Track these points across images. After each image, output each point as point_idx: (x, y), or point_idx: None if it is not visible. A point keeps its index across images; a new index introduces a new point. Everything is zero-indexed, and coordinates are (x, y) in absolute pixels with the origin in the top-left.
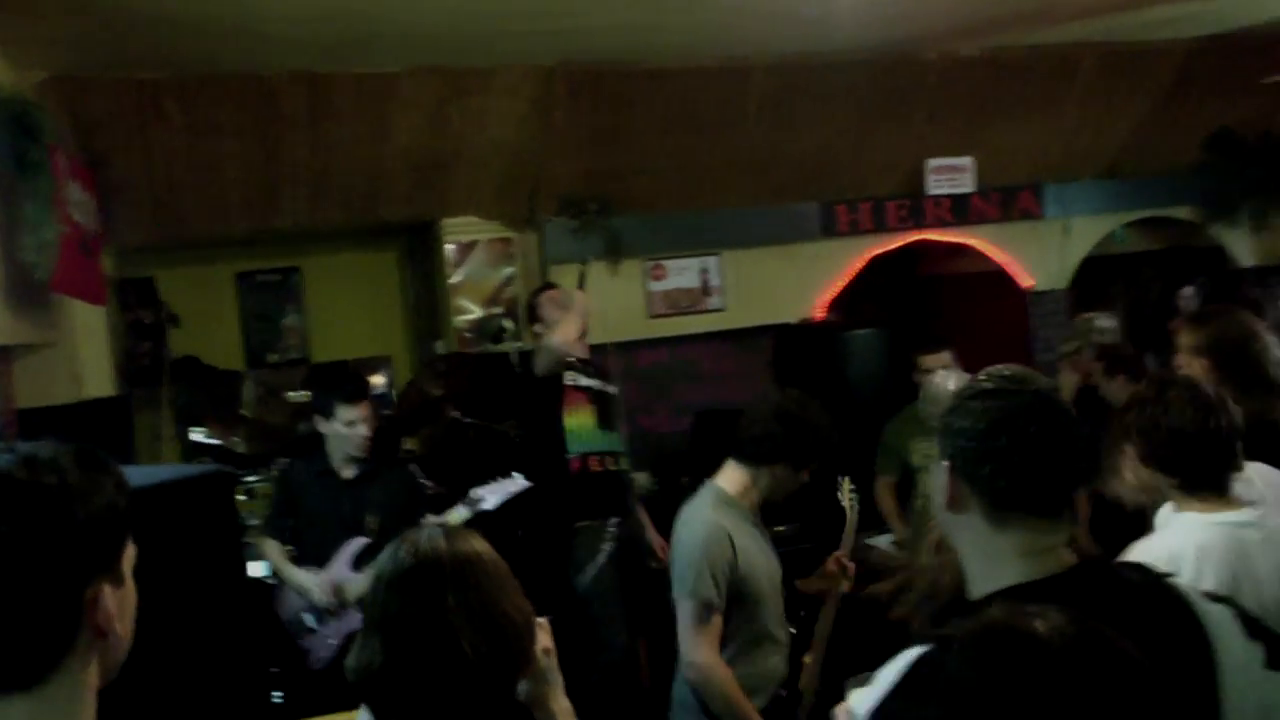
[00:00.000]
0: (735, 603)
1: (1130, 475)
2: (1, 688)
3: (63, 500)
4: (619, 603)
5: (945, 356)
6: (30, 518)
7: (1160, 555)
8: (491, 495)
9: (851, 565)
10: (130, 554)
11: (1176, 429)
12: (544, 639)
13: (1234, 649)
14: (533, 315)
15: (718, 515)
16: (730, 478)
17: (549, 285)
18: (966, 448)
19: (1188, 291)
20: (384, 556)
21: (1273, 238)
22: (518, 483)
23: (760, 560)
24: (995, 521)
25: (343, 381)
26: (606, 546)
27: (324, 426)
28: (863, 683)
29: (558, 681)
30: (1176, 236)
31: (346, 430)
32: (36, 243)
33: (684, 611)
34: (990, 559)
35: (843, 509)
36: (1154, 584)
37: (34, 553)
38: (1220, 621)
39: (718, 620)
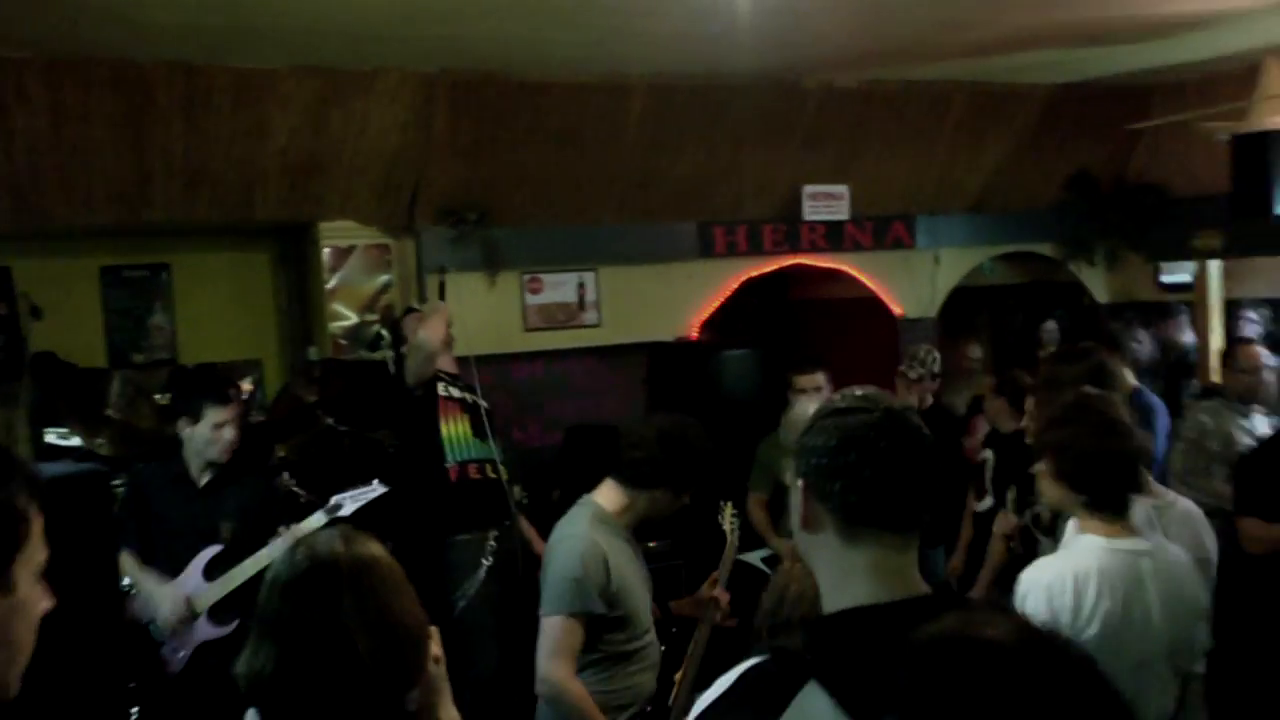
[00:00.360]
0: (606, 622)
1: (1047, 489)
2: None
3: None
4: (492, 618)
5: (819, 377)
6: None
7: (1065, 573)
8: (350, 501)
9: (725, 596)
10: (30, 560)
11: (1085, 450)
12: (435, 647)
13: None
14: (399, 338)
15: (594, 532)
16: (608, 496)
17: (411, 309)
18: (819, 465)
19: (1049, 325)
20: (279, 560)
21: (1125, 276)
22: (375, 489)
23: (632, 578)
24: (847, 538)
25: (211, 383)
26: (486, 561)
27: (187, 430)
28: None
29: (447, 690)
30: (1039, 271)
31: (212, 434)
32: None
33: (548, 627)
34: (843, 575)
35: (723, 531)
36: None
37: None
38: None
39: (580, 636)
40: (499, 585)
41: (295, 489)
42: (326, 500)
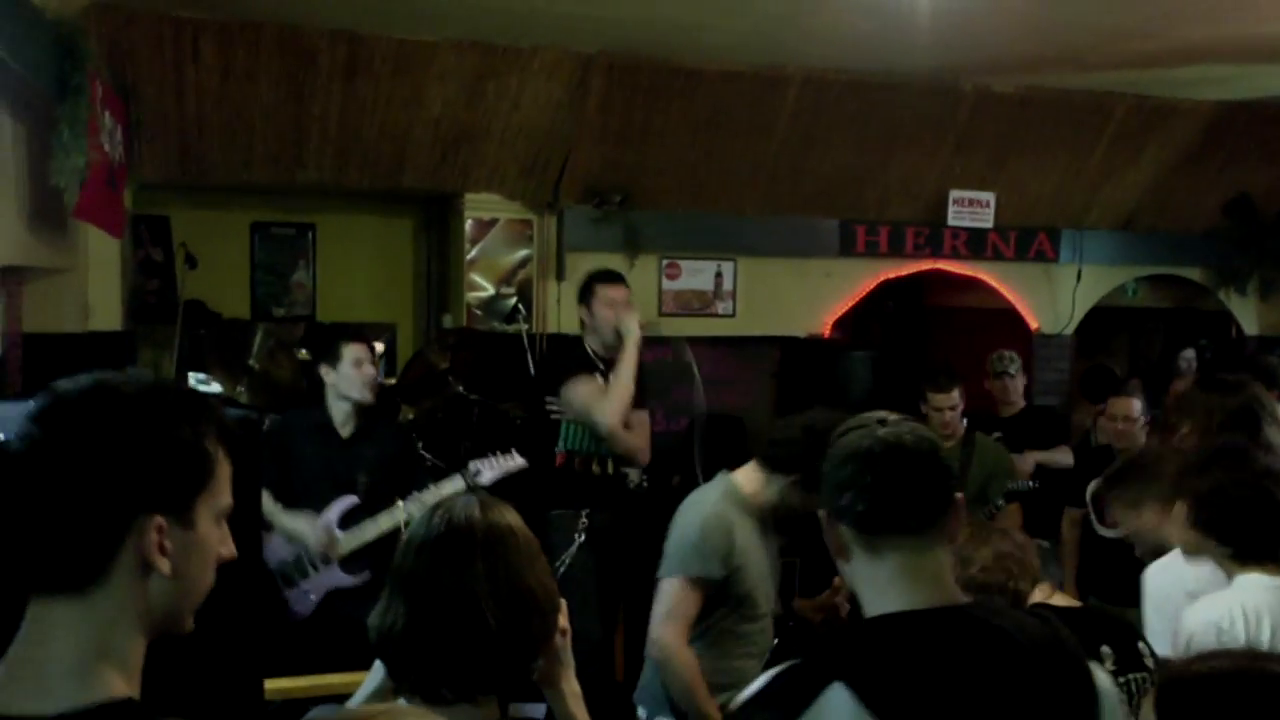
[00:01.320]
0: (721, 595)
1: (1177, 534)
2: (48, 586)
3: (132, 424)
4: (594, 592)
5: (954, 395)
6: (95, 430)
7: (1235, 610)
8: (488, 470)
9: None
10: (213, 502)
11: (1237, 500)
12: (562, 620)
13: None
14: (585, 297)
15: (723, 506)
16: (747, 475)
17: (615, 276)
18: (828, 487)
19: (1188, 353)
20: (417, 520)
21: (1278, 309)
22: (515, 460)
23: (756, 561)
24: (870, 550)
25: (345, 326)
26: (580, 536)
27: (330, 376)
28: None
29: (570, 663)
30: (1185, 296)
31: (353, 372)
32: (67, 167)
33: (664, 590)
34: (877, 590)
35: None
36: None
37: (88, 464)
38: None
39: (696, 603)
40: (598, 561)
41: (421, 452)
42: (451, 466)
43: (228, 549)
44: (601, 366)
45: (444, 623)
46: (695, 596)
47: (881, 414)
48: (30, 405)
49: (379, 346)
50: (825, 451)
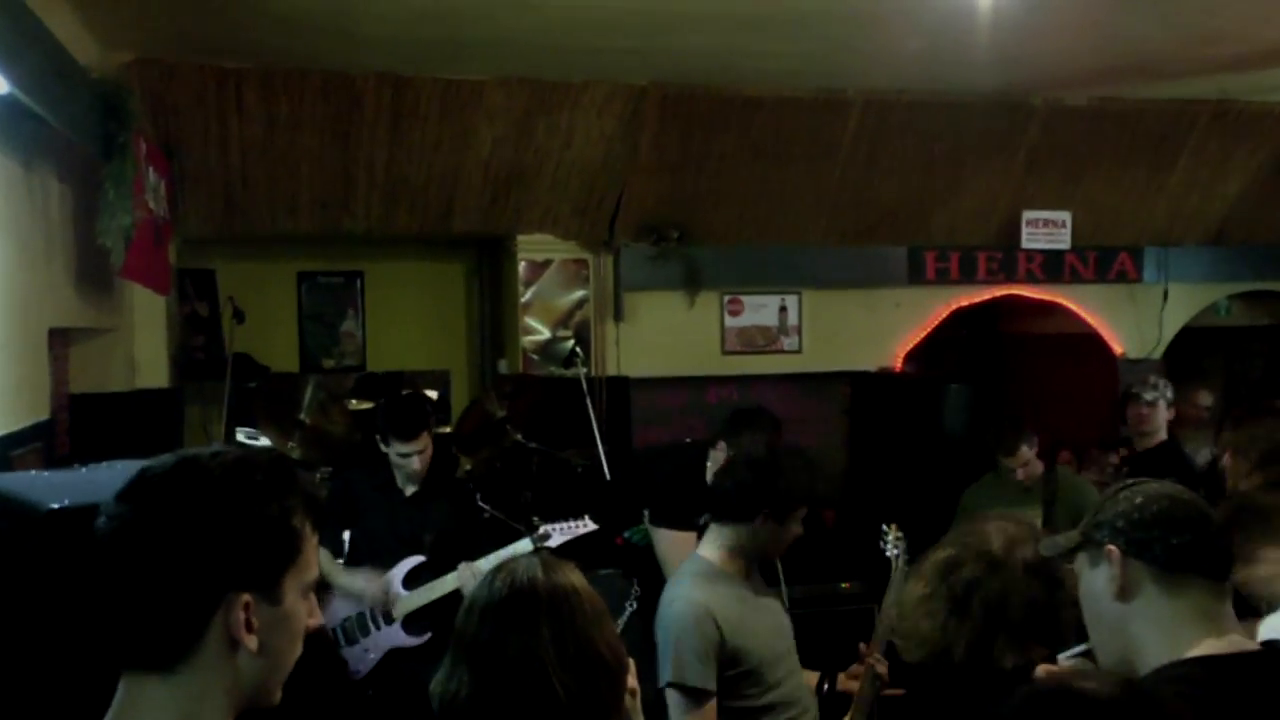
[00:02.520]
0: (728, 680)
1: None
2: (137, 663)
3: (219, 503)
4: (646, 655)
5: (1023, 453)
6: (182, 511)
7: None
8: (558, 534)
9: (884, 666)
10: (302, 579)
11: None
12: (631, 680)
13: None
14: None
15: (699, 593)
16: (711, 545)
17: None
18: (1131, 522)
19: None
20: (479, 583)
21: None
22: (586, 525)
23: (759, 628)
24: (1170, 587)
25: (399, 414)
26: (631, 605)
27: (384, 449)
28: None
29: None
30: None
31: (400, 460)
32: (114, 227)
33: (670, 701)
34: (1173, 627)
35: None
36: None
37: (176, 545)
38: None
39: (711, 705)
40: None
41: (481, 504)
42: (513, 517)
43: (315, 619)
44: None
45: (510, 691)
46: (703, 700)
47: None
48: (90, 476)
49: (431, 394)
50: (778, 473)
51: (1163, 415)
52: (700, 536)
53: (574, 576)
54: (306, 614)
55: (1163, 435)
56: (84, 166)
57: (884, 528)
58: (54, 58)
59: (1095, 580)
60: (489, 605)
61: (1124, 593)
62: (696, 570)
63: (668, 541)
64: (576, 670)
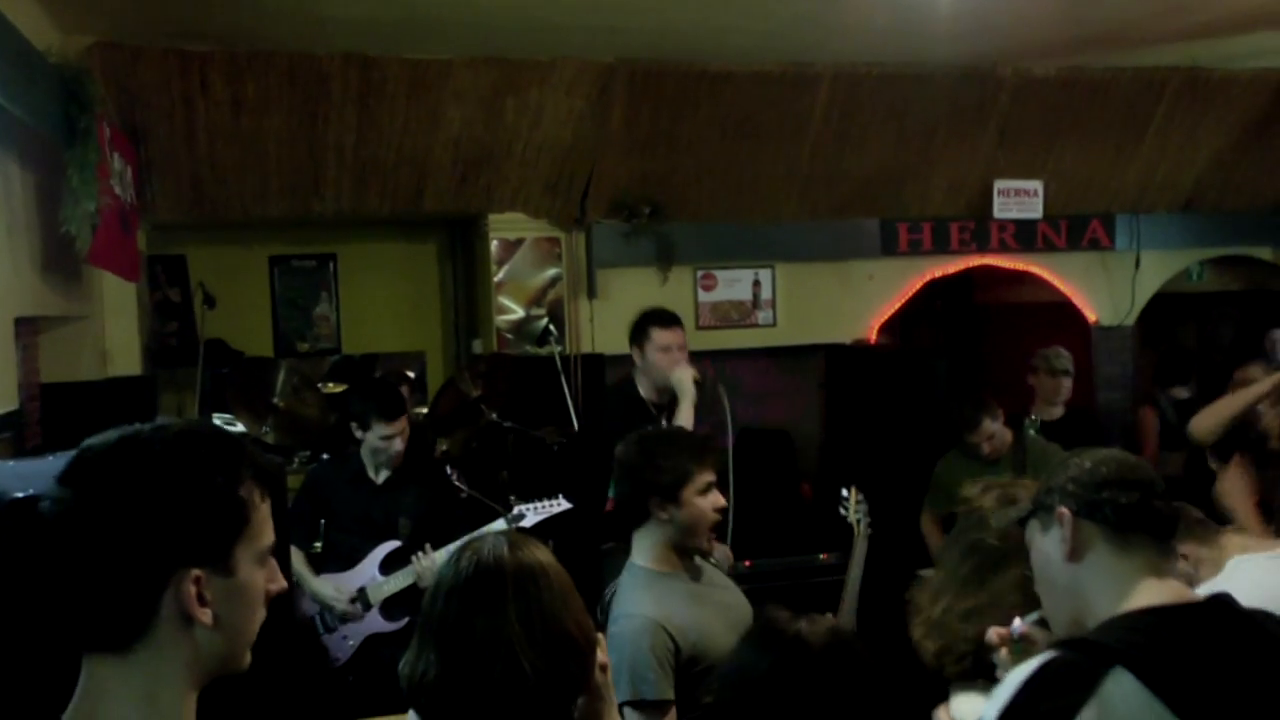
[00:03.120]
0: (698, 674)
1: (1244, 519)
2: (93, 646)
3: (162, 479)
4: None
5: (988, 426)
6: (124, 489)
7: None
8: (533, 513)
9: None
10: (255, 547)
11: None
12: (601, 655)
13: None
14: (638, 337)
15: (644, 605)
16: (642, 551)
17: (669, 316)
18: (1081, 485)
19: (1276, 334)
20: (445, 564)
21: None
22: (560, 504)
23: (714, 620)
24: (1120, 547)
25: (379, 395)
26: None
27: (359, 434)
28: (967, 687)
29: (613, 700)
30: (1255, 278)
31: (381, 444)
32: (79, 214)
33: (629, 718)
34: (1121, 585)
35: (850, 525)
36: None
37: (119, 524)
38: None
39: (671, 714)
40: None
41: (458, 484)
42: (490, 497)
43: (276, 584)
44: (654, 413)
45: (477, 670)
46: (663, 711)
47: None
48: (58, 465)
49: (409, 374)
50: (649, 460)
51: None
52: None
53: (541, 554)
54: (266, 580)
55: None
56: (47, 153)
57: (844, 492)
58: (11, 43)
59: (1047, 544)
60: (455, 585)
61: (1074, 553)
62: (636, 582)
63: None
64: (544, 649)
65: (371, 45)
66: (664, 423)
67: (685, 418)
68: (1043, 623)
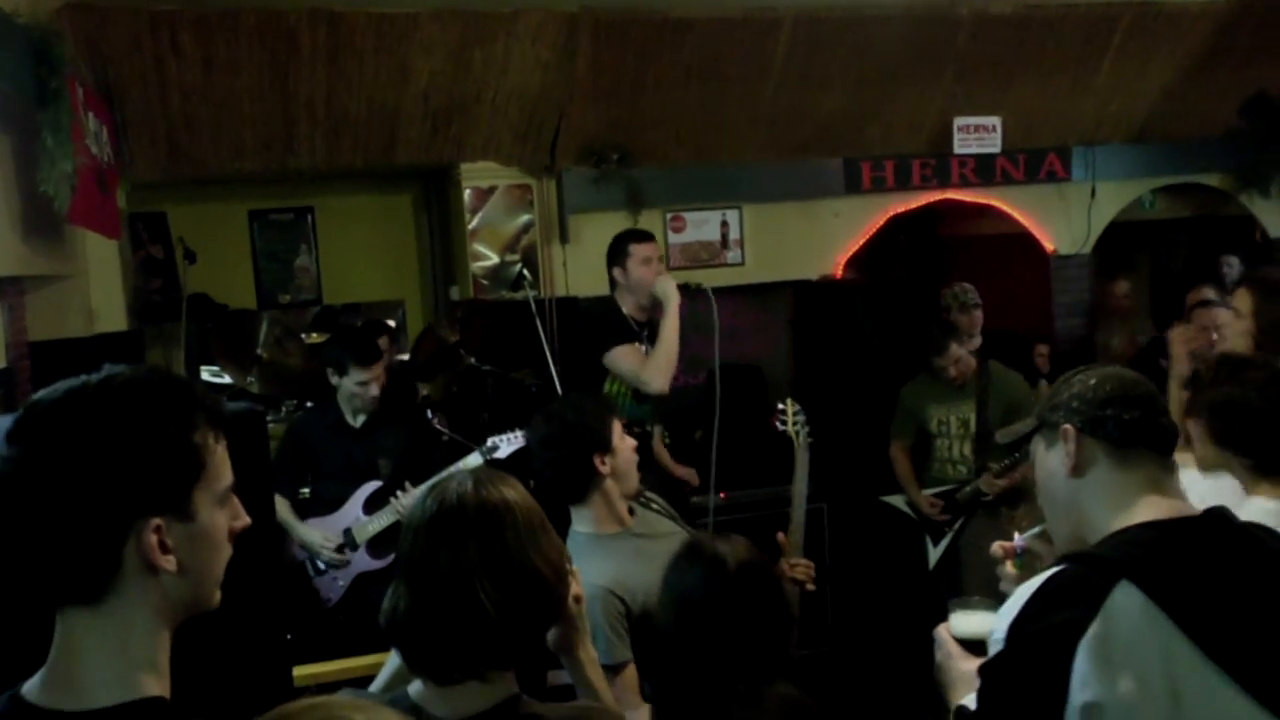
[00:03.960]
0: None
1: (1200, 449)
2: (66, 599)
3: (112, 431)
4: None
5: (954, 351)
6: (73, 443)
7: None
8: (505, 444)
9: (806, 566)
10: (214, 489)
11: (1256, 410)
12: (575, 586)
13: None
14: (617, 256)
15: (588, 574)
16: (584, 518)
17: (646, 234)
18: (1086, 401)
19: (1230, 259)
20: (414, 502)
21: None
22: None
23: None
24: (1121, 461)
25: (355, 341)
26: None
27: (335, 380)
28: (966, 605)
29: (586, 629)
30: (1205, 204)
31: (357, 389)
32: (55, 174)
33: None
34: (1124, 498)
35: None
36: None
37: (72, 479)
38: None
39: (630, 669)
40: None
41: (439, 427)
42: (472, 439)
43: (240, 522)
44: (636, 329)
45: (442, 606)
46: (620, 671)
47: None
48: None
49: (390, 323)
50: (569, 429)
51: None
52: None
53: (507, 490)
54: (229, 519)
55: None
56: (21, 117)
57: (779, 405)
58: None
59: (1051, 460)
60: (422, 523)
61: (1078, 469)
62: (580, 552)
63: (620, 358)
64: (506, 584)
65: (338, 0)
66: (644, 343)
67: (670, 327)
68: (1045, 537)
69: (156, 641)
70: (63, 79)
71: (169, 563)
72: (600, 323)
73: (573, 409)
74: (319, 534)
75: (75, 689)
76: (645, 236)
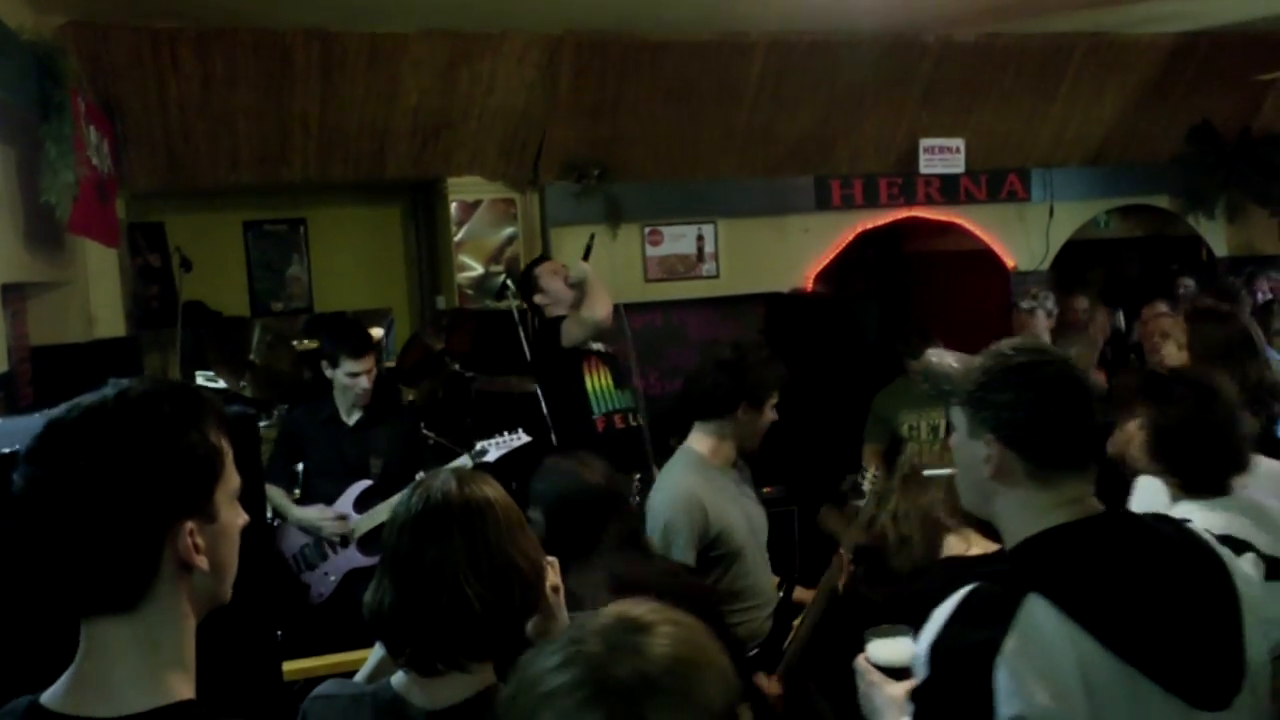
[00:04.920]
0: (712, 560)
1: (1138, 455)
2: (100, 609)
3: (139, 443)
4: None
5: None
6: (108, 459)
7: None
8: (494, 448)
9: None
10: (228, 489)
11: (1183, 431)
12: (553, 577)
13: (1245, 577)
14: (532, 287)
15: (688, 479)
16: (697, 438)
17: (543, 258)
18: (1016, 418)
19: (1188, 281)
20: (400, 499)
21: (1246, 230)
22: (520, 438)
23: (738, 517)
24: (1040, 480)
25: (349, 334)
26: (636, 498)
27: (329, 373)
28: (881, 633)
29: (564, 619)
30: (1156, 224)
31: (349, 381)
32: (57, 184)
33: None
34: (1034, 514)
35: (847, 490)
36: (1180, 529)
37: (114, 488)
38: (1231, 558)
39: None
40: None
41: (425, 432)
42: (457, 443)
43: (242, 519)
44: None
45: (428, 599)
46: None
47: (1038, 342)
48: (28, 442)
49: (376, 333)
50: (747, 366)
51: (1042, 323)
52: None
53: (489, 489)
54: (237, 520)
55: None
56: (25, 129)
57: (863, 469)
58: None
59: (972, 448)
60: (407, 520)
61: (999, 474)
62: (687, 461)
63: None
64: (489, 579)
65: (332, 20)
66: (595, 357)
67: (600, 298)
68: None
69: (185, 640)
70: (66, 93)
71: (203, 561)
72: (546, 331)
73: (760, 361)
74: (315, 511)
75: (107, 695)
76: (541, 259)
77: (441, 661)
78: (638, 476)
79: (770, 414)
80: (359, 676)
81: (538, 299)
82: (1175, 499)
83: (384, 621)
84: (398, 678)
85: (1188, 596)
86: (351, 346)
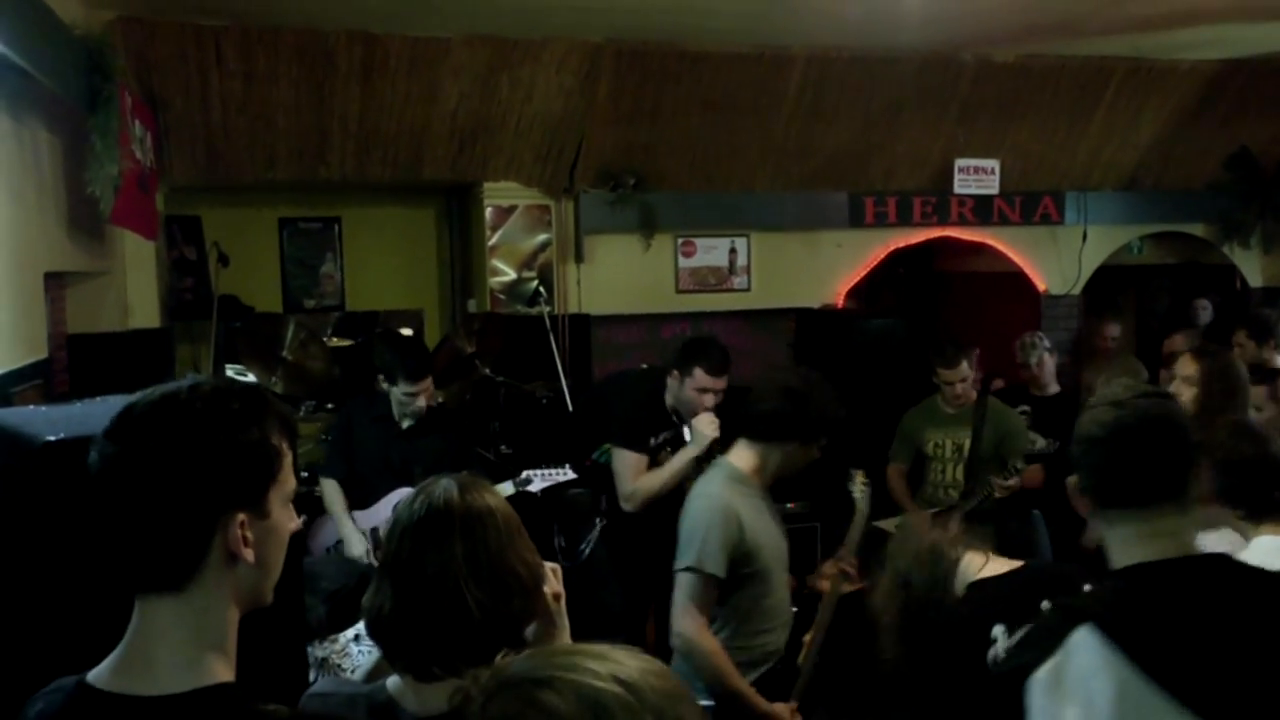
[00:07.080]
0: (740, 577)
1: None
2: (149, 586)
3: (205, 434)
4: (611, 563)
5: (963, 369)
6: (172, 445)
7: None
8: (539, 479)
9: (853, 565)
10: (283, 491)
11: (1240, 462)
12: (554, 585)
13: None
14: (687, 371)
15: (727, 492)
16: (742, 455)
17: (719, 368)
18: (1090, 457)
19: (1204, 303)
20: (402, 505)
21: None
22: (566, 473)
23: (767, 537)
24: (1104, 519)
25: (408, 355)
26: (601, 520)
27: (384, 387)
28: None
29: (565, 626)
30: (1189, 252)
31: (405, 399)
32: (102, 176)
33: (681, 582)
34: (1116, 547)
35: (853, 499)
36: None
37: (171, 477)
38: None
39: (713, 595)
40: (626, 538)
41: (480, 452)
42: (483, 444)
43: (295, 523)
44: (675, 419)
45: (427, 605)
46: (712, 588)
47: (1125, 385)
48: (85, 411)
49: (406, 332)
50: (812, 403)
51: (1049, 365)
52: (652, 458)
53: (490, 497)
54: (288, 522)
55: (1056, 386)
56: (72, 120)
57: (851, 471)
58: (39, 16)
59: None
60: (409, 525)
61: (1090, 511)
62: (727, 474)
63: (622, 460)
64: (489, 585)
65: (375, 23)
66: (669, 439)
67: (674, 467)
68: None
69: (228, 628)
70: (114, 87)
71: (249, 554)
72: (643, 402)
73: (821, 395)
74: (359, 540)
75: (151, 673)
76: (716, 369)
77: (438, 667)
78: (605, 498)
79: (815, 453)
80: (357, 676)
81: (672, 374)
82: (1246, 536)
83: (383, 626)
84: (393, 681)
85: (1253, 635)
86: (409, 370)
